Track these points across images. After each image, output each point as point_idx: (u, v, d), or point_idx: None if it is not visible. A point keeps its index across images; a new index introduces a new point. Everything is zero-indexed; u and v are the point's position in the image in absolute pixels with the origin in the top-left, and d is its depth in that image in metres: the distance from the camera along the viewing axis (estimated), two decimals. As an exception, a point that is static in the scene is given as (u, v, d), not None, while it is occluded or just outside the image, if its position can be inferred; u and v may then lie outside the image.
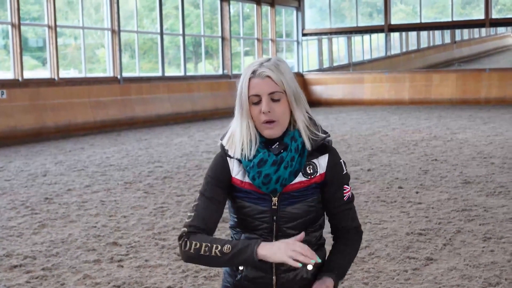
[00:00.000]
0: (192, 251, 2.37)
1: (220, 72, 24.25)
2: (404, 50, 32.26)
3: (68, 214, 7.69)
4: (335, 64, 30.51)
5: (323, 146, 2.48)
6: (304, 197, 2.45)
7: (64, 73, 18.58)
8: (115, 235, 6.67)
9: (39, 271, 5.52)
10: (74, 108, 17.46)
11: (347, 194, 2.55)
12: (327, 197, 2.51)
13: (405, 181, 9.39)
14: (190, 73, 22.95)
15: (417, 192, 8.57)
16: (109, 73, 19.35)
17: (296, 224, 2.45)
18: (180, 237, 2.42)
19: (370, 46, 31.41)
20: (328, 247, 2.64)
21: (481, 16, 26.38)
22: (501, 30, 32.89)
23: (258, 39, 26.26)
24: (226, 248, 2.32)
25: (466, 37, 34.40)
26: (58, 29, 17.63)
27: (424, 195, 8.38)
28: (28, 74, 16.98)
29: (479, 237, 6.35)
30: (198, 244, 2.36)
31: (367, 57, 31.17)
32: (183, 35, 22.35)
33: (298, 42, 28.81)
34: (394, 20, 27.71)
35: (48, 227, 7.10)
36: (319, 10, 29.30)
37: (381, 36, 29.72)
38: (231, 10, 24.59)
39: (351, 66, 29.57)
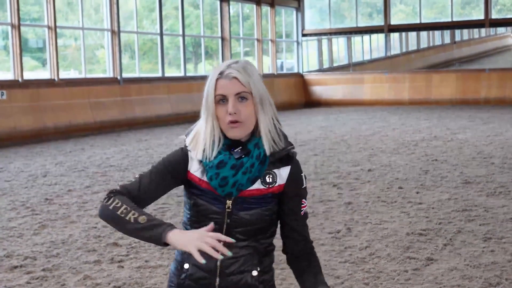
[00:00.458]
0: (110, 207, 2.37)
1: (220, 72, 24.20)
2: (404, 50, 32.26)
3: (68, 214, 7.69)
4: (335, 64, 30.50)
5: (286, 157, 2.47)
6: (259, 205, 2.44)
7: (64, 74, 18.58)
8: (115, 236, 6.66)
9: (39, 272, 5.52)
10: (74, 109, 17.46)
11: (304, 209, 2.53)
12: (284, 209, 2.50)
13: (406, 181, 9.39)
14: (190, 73, 22.95)
15: (417, 192, 8.57)
16: (109, 74, 19.35)
17: (246, 230, 2.43)
18: (108, 193, 2.44)
19: (370, 47, 31.41)
20: (277, 253, 2.60)
21: (480, 16, 26.40)
22: (500, 30, 32.86)
23: (258, 40, 26.27)
24: (142, 218, 2.32)
25: (466, 37, 34.39)
26: (58, 30, 17.62)
27: (425, 195, 8.38)
28: (28, 75, 16.98)
29: (480, 237, 6.35)
30: (119, 204, 2.37)
31: (367, 57, 31.17)
32: (183, 35, 22.35)
33: (298, 43, 28.81)
34: (394, 21, 27.72)
35: (49, 227, 7.09)
36: (319, 11, 29.30)
37: (381, 36, 29.72)
38: (231, 11, 24.60)
39: (351, 67, 29.57)
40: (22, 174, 10.70)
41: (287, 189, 2.47)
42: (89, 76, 19.04)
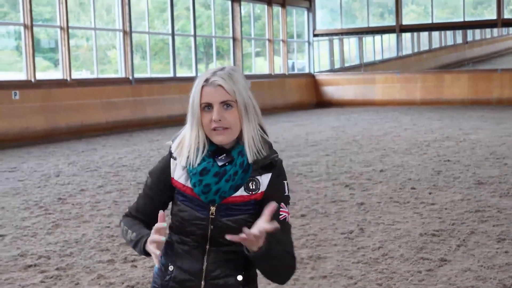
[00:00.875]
0: (121, 232, 2.61)
1: (231, 73, 24.23)
2: (415, 50, 32.22)
3: (81, 214, 7.72)
4: (346, 64, 30.48)
5: (270, 165, 2.47)
6: (243, 211, 2.44)
7: (76, 74, 18.65)
8: (128, 236, 6.67)
9: (53, 271, 5.55)
10: (86, 109, 17.52)
11: (284, 214, 2.46)
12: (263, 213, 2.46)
13: (418, 181, 9.37)
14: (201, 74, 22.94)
15: (430, 193, 8.55)
16: (121, 74, 19.41)
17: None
18: (121, 218, 2.67)
19: (382, 47, 31.38)
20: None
21: (493, 16, 26.28)
22: (513, 30, 32.73)
23: (269, 40, 26.26)
24: (133, 235, 2.51)
25: (478, 37, 34.31)
26: (70, 30, 17.69)
27: (437, 196, 8.36)
28: (40, 75, 17.06)
29: (493, 238, 6.33)
30: (124, 228, 2.58)
31: (378, 57, 31.14)
32: (194, 36, 22.38)
33: (309, 43, 28.79)
34: (406, 21, 27.64)
35: (62, 227, 7.12)
36: (330, 11, 29.28)
37: (393, 36, 29.68)
38: (242, 11, 24.62)
39: (363, 67, 29.54)
40: (35, 174, 10.75)
41: (267, 194, 2.46)
42: (101, 76, 19.10)
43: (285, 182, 2.51)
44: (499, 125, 17.04)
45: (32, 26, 16.43)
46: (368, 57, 30.77)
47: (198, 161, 2.43)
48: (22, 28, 16.46)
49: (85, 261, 5.84)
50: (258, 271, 2.51)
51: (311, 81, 28.03)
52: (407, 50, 31.57)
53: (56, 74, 17.94)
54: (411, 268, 5.47)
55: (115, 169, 11.08)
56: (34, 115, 16.11)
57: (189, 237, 2.47)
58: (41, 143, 15.36)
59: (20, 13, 16.45)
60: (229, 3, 24.10)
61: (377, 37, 30.77)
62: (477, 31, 32.52)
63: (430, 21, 27.44)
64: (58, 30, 17.44)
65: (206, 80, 2.43)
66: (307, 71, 28.61)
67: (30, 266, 5.71)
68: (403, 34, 29.33)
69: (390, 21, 27.98)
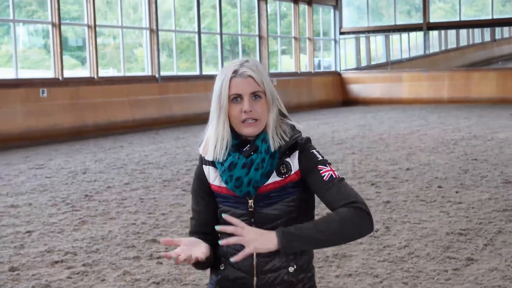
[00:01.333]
0: None
1: (257, 71, 24.24)
2: (443, 48, 31.97)
3: (108, 211, 7.78)
4: (373, 62, 30.34)
5: (295, 144, 2.45)
6: (281, 197, 2.42)
7: (103, 72, 18.78)
8: (154, 232, 6.72)
9: (79, 267, 5.59)
10: (113, 107, 17.64)
11: (327, 173, 2.40)
12: (311, 187, 2.43)
13: (445, 180, 9.29)
14: (227, 72, 22.96)
15: (457, 192, 8.47)
16: (147, 72, 19.51)
17: (275, 226, 2.39)
18: None
19: (409, 45, 31.17)
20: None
21: (522, 13, 25.98)
22: (542, 28, 32.35)
23: (295, 38, 26.22)
24: None
25: (506, 35, 33.93)
26: (97, 28, 17.82)
27: (464, 195, 8.29)
28: (68, 73, 17.21)
29: (521, 237, 6.26)
30: None
31: (405, 55, 30.95)
32: (221, 34, 22.42)
33: (335, 41, 28.69)
34: (433, 18, 27.44)
35: (88, 223, 7.18)
36: (357, 9, 29.16)
37: (420, 34, 29.45)
38: (268, 9, 24.61)
39: (389, 65, 29.37)
40: (62, 171, 10.85)
41: (302, 168, 2.44)
42: (127, 74, 19.22)
43: (313, 150, 2.46)
44: (528, 124, 16.85)
45: (60, 24, 16.58)
46: (395, 55, 30.60)
47: (223, 152, 2.43)
48: (50, 26, 16.61)
49: (111, 257, 5.88)
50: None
51: (337, 79, 27.95)
52: (434, 48, 31.32)
53: (83, 72, 18.09)
54: (437, 267, 5.42)
55: (141, 167, 11.14)
56: (61, 113, 16.25)
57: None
58: (68, 140, 15.49)
59: (48, 12, 16.60)
60: (256, 1, 24.11)
61: (404, 35, 30.58)
62: (506, 28, 32.15)
63: (457, 19, 27.20)
64: (86, 28, 17.58)
65: (235, 72, 2.42)
66: (333, 69, 28.52)
67: (57, 262, 5.76)
68: (430, 32, 29.09)
69: (417, 19, 27.79)
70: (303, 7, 26.77)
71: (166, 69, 20.83)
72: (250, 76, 2.41)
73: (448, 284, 5.03)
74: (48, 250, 6.12)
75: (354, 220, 2.31)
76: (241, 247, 2.32)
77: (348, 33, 28.76)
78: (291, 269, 2.44)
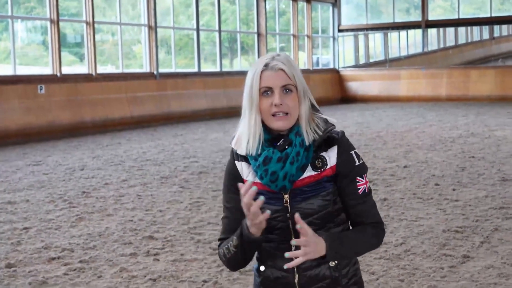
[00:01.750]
0: (224, 259, 2.49)
1: (255, 68, 24.24)
2: (441, 46, 31.99)
3: (105, 208, 7.78)
4: (371, 60, 30.35)
5: (331, 138, 2.44)
6: (317, 191, 2.40)
7: (102, 69, 18.78)
8: (151, 229, 6.73)
9: (76, 264, 5.60)
10: (111, 104, 17.64)
11: (362, 186, 2.44)
12: (340, 190, 2.44)
13: (442, 178, 9.30)
14: (225, 69, 23.01)
15: (454, 189, 8.49)
16: (146, 69, 19.51)
17: (312, 220, 2.38)
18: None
19: (407, 42, 31.19)
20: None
21: (520, 11, 25.99)
22: (541, 26, 32.38)
23: (294, 35, 26.22)
24: (233, 240, 2.42)
25: (505, 33, 33.95)
26: (95, 25, 17.80)
27: (461, 192, 8.30)
28: (66, 70, 17.20)
29: (517, 235, 6.27)
30: (222, 250, 2.49)
31: (403, 53, 30.97)
32: (219, 31, 22.41)
33: (334, 38, 28.69)
34: (432, 16, 27.44)
35: (86, 220, 7.19)
36: (356, 6, 29.15)
37: (418, 32, 29.46)
38: (267, 6, 24.59)
39: (388, 62, 29.38)
40: (60, 168, 10.85)
41: (339, 169, 2.42)
42: (126, 71, 19.22)
43: (353, 152, 2.46)
44: (526, 122, 16.86)
45: (58, 21, 16.57)
46: (393, 53, 30.61)
47: (256, 147, 2.40)
48: (48, 23, 16.60)
49: (108, 254, 5.88)
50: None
51: (336, 77, 27.95)
52: (432, 45, 31.35)
53: (81, 68, 18.08)
54: (433, 264, 5.44)
55: (139, 163, 11.14)
56: (59, 109, 16.25)
57: (273, 233, 2.44)
58: (66, 137, 15.49)
59: (46, 8, 16.59)
60: (254, -2, 24.10)
61: (403, 33, 30.60)
62: (504, 26, 32.18)
63: (456, 17, 27.21)
64: (84, 25, 17.57)
65: (266, 65, 2.40)
66: (331, 66, 28.52)
67: (53, 258, 5.76)
68: (429, 30, 29.10)
69: (416, 17, 27.80)
70: (302, 4, 26.76)
71: (165, 66, 20.82)
72: (281, 69, 2.39)
73: (444, 281, 5.04)
74: (45, 246, 6.12)
75: (379, 241, 2.50)
76: (278, 246, 2.42)
77: (347, 30, 28.76)
78: (332, 263, 2.42)
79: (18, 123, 15.24)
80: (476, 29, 32.92)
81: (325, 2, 28.16)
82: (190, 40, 21.97)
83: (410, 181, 9.10)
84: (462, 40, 33.00)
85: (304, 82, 2.45)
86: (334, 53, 28.62)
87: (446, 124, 16.96)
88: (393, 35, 30.42)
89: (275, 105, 2.37)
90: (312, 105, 2.48)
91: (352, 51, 30.21)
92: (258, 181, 2.42)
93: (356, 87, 27.55)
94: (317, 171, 2.41)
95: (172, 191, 8.73)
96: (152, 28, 19.41)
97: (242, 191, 2.27)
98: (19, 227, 6.89)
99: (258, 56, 24.15)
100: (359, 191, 2.44)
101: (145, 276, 5.27)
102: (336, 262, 2.43)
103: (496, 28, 32.13)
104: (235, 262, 2.47)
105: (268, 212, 2.28)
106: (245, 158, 2.47)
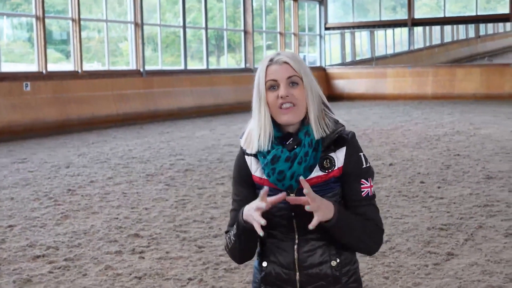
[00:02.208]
0: (227, 249, 2.53)
1: (242, 65, 24.28)
2: (427, 44, 32.10)
3: (90, 205, 7.76)
4: (357, 58, 30.41)
5: (340, 139, 2.44)
6: (324, 191, 2.40)
7: (88, 66, 18.71)
8: (136, 227, 6.72)
9: (61, 262, 5.58)
10: (97, 101, 17.58)
11: (366, 189, 2.46)
12: (344, 191, 2.46)
13: (427, 176, 9.35)
14: (212, 66, 23.00)
15: (439, 187, 8.53)
16: (132, 66, 19.46)
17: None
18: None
19: (393, 41, 31.28)
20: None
21: (505, 10, 26.12)
22: (526, 24, 32.54)
23: (280, 33, 26.23)
24: (234, 228, 2.45)
25: (490, 31, 34.12)
26: (82, 22, 17.73)
27: (446, 190, 8.35)
28: (52, 67, 17.11)
29: (501, 232, 6.31)
30: (227, 240, 2.52)
31: (390, 51, 31.05)
32: (206, 28, 22.39)
33: (320, 36, 28.73)
34: (418, 14, 27.53)
35: (71, 218, 7.17)
36: (342, 4, 29.19)
37: (405, 30, 29.57)
38: (254, 4, 24.58)
39: (374, 61, 29.46)
40: (45, 165, 10.81)
41: (346, 170, 2.44)
42: (112, 68, 19.16)
43: (361, 154, 2.47)
44: (510, 120, 16.96)
45: (44, 17, 16.48)
46: (380, 51, 30.69)
47: (267, 144, 2.41)
48: (34, 19, 16.52)
49: (93, 252, 5.87)
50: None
51: (322, 75, 27.98)
52: (419, 44, 31.46)
53: (67, 66, 18.00)
54: (418, 261, 5.47)
55: (125, 161, 11.12)
56: (45, 107, 16.18)
57: (277, 230, 2.45)
58: (52, 134, 15.43)
59: (32, 5, 16.50)
60: (241, -4, 24.08)
61: (389, 31, 30.68)
62: (490, 25, 32.35)
63: (442, 15, 27.32)
64: (70, 22, 17.49)
65: (271, 60, 2.43)
66: (318, 64, 28.55)
67: (38, 256, 5.75)
68: (415, 28, 29.21)
69: (402, 15, 27.88)
70: (289, 2, 26.78)
71: (151, 64, 20.78)
72: (285, 62, 2.41)
73: (428, 279, 5.07)
74: (29, 244, 6.10)
75: (375, 243, 2.48)
76: (280, 242, 2.44)
77: (333, 28, 28.80)
78: (333, 263, 2.43)
79: (3, 121, 15.16)
80: (462, 27, 33.06)
81: (311, 0, 28.19)
82: (176, 37, 21.93)
83: (396, 179, 9.14)
84: (448, 38, 33.13)
85: (314, 79, 2.46)
86: (321, 51, 28.67)
87: (432, 122, 17.03)
88: (379, 33, 30.50)
89: (281, 96, 2.38)
90: (324, 104, 2.49)
91: (338, 49, 30.25)
92: (265, 178, 2.44)
93: (342, 85, 27.60)
94: (325, 172, 2.43)
95: (158, 189, 8.72)
96: (139, 25, 19.36)
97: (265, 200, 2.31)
98: (3, 225, 6.86)
99: (245, 54, 24.16)
100: (363, 193, 2.46)
101: (130, 274, 5.26)
102: (338, 261, 2.44)
103: (482, 26, 32.29)
104: (236, 252, 2.49)
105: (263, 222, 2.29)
106: (254, 154, 2.48)
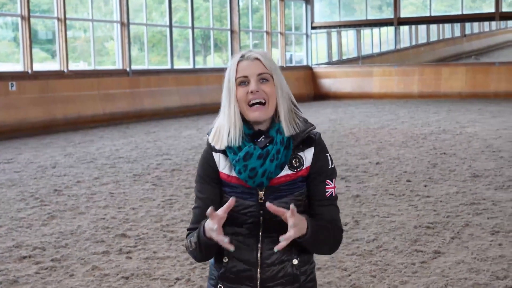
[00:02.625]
0: (188, 250, 2.50)
1: (229, 65, 24.22)
2: (413, 43, 32.17)
3: (77, 206, 7.73)
4: (344, 57, 30.45)
5: (309, 139, 2.47)
6: (291, 190, 2.43)
7: (74, 66, 18.63)
8: (123, 227, 6.70)
9: (48, 262, 5.56)
10: (83, 101, 17.51)
11: (330, 190, 2.49)
12: (309, 191, 2.48)
13: (414, 174, 9.38)
14: (199, 66, 22.96)
15: (425, 186, 8.56)
16: (118, 66, 19.39)
17: (283, 219, 2.39)
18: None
19: (380, 39, 31.33)
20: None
21: (491, 9, 26.27)
22: (511, 23, 32.71)
23: (267, 32, 26.23)
24: (194, 237, 2.43)
25: (476, 30, 34.26)
26: (67, 21, 17.66)
27: (433, 189, 8.38)
28: (37, 67, 17.03)
29: (487, 230, 6.35)
30: (187, 242, 2.49)
31: (376, 50, 31.09)
32: (192, 28, 22.35)
33: (307, 35, 28.76)
34: (404, 13, 27.62)
35: (57, 218, 7.14)
36: (329, 3, 29.24)
37: (391, 29, 29.63)
38: (240, 3, 24.57)
39: (360, 59, 29.51)
40: (31, 165, 10.76)
41: (312, 170, 2.46)
42: (98, 68, 19.09)
43: (328, 155, 2.50)
44: (496, 118, 17.07)
45: (29, 17, 16.39)
46: (366, 50, 30.73)
47: (238, 139, 2.41)
48: (19, 19, 16.43)
49: (80, 252, 5.85)
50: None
51: (309, 74, 28.03)
52: (405, 43, 31.53)
53: (53, 65, 17.92)
54: (405, 260, 5.48)
55: (111, 161, 11.08)
56: (31, 107, 16.10)
57: (243, 227, 2.46)
58: (38, 134, 15.35)
59: (17, 4, 16.40)
60: (227, -5, 24.06)
61: (375, 30, 30.73)
62: (475, 24, 32.47)
63: (428, 14, 27.42)
64: (56, 21, 17.41)
65: (242, 56, 2.44)
66: (305, 63, 28.59)
67: (25, 257, 5.72)
68: (401, 27, 29.28)
69: (388, 14, 27.96)
70: (275, 1, 26.79)
71: (137, 63, 20.73)
72: (256, 58, 2.42)
73: (415, 277, 5.09)
74: (16, 245, 6.07)
75: (337, 242, 2.53)
76: (245, 240, 2.43)
77: (320, 27, 28.84)
78: (295, 261, 2.45)
79: (-12, 121, 15.08)
80: (447, 26, 33.16)
81: (298, -1, 28.22)
82: (163, 37, 21.88)
83: (382, 178, 9.17)
84: (434, 37, 33.23)
85: (283, 79, 2.48)
86: (307, 50, 28.70)
87: (418, 121, 17.10)
88: (365, 32, 30.55)
89: (251, 92, 2.39)
90: (293, 103, 2.50)
91: (325, 48, 30.29)
92: (235, 175, 2.44)
93: (329, 84, 27.65)
94: (294, 171, 2.44)
95: (144, 188, 8.70)
96: (125, 24, 19.30)
97: (224, 208, 2.31)
98: (-11, 225, 6.82)
99: (232, 53, 24.12)
100: (327, 193, 2.49)
101: (117, 274, 5.25)
102: (299, 260, 2.47)
103: (468, 25, 32.39)
104: (197, 255, 2.48)
105: (226, 240, 2.29)
106: (223, 151, 2.47)
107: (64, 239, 6.28)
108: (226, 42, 24.61)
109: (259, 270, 2.45)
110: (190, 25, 22.32)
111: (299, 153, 2.45)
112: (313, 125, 2.49)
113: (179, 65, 22.27)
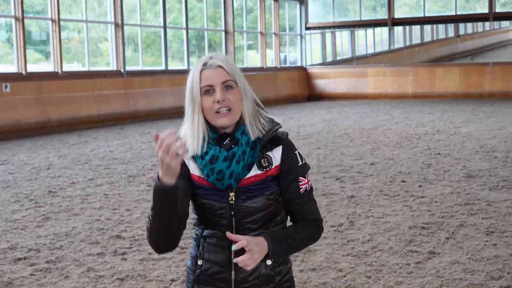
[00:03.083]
0: (147, 233, 2.38)
1: (223, 65, 24.21)
2: (407, 44, 32.24)
3: (71, 207, 7.72)
4: (338, 58, 30.48)
5: (277, 138, 2.48)
6: (262, 190, 2.45)
7: (68, 67, 18.61)
8: (118, 228, 6.69)
9: (43, 264, 5.55)
10: (78, 102, 17.48)
11: (304, 186, 2.51)
12: (282, 189, 2.49)
13: (408, 175, 9.40)
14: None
15: (420, 186, 8.58)
16: (113, 67, 19.37)
17: (255, 218, 2.44)
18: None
19: (374, 40, 31.38)
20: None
21: (485, 10, 26.33)
22: (504, 24, 32.84)
23: (261, 33, 26.24)
24: (151, 203, 2.32)
25: (470, 31, 34.35)
26: (61, 22, 17.62)
27: (427, 189, 8.39)
28: (31, 68, 16.99)
29: (482, 231, 6.36)
30: (147, 224, 2.39)
31: (370, 51, 31.14)
32: (186, 28, 22.34)
33: (301, 36, 28.77)
34: (398, 14, 27.66)
35: (52, 220, 7.12)
36: (323, 4, 29.26)
37: (385, 30, 29.69)
38: (235, 4, 24.57)
39: (355, 60, 29.55)
40: (25, 167, 10.73)
41: (282, 169, 2.48)
42: (92, 69, 19.06)
43: (296, 152, 2.51)
44: (490, 119, 17.10)
45: (23, 18, 16.36)
46: (360, 51, 30.77)
47: (203, 148, 2.42)
48: (13, 20, 16.39)
49: (75, 254, 5.84)
50: None
51: (303, 74, 28.04)
52: (399, 43, 31.60)
53: (47, 66, 17.89)
54: (400, 260, 5.49)
55: (106, 162, 11.07)
56: (25, 108, 16.06)
57: (216, 229, 2.47)
58: (32, 135, 15.32)
59: (11, 5, 16.37)
60: (221, -4, 24.06)
61: (369, 31, 30.78)
62: (469, 24, 32.56)
63: (422, 15, 27.46)
64: (50, 22, 17.38)
65: (205, 64, 2.44)
66: (299, 64, 28.60)
67: (20, 259, 5.70)
68: (395, 28, 29.34)
69: (382, 15, 28.00)
70: (269, 2, 26.79)
71: (132, 64, 20.71)
72: (219, 66, 2.42)
73: (410, 277, 5.10)
74: (10, 247, 6.06)
75: (316, 236, 2.57)
76: (218, 242, 2.44)
77: (314, 28, 28.85)
78: (268, 262, 2.46)
79: (-18, 122, 15.04)
80: (441, 27, 33.25)
81: (292, 0, 28.23)
82: (157, 37, 21.87)
83: (377, 178, 9.18)
84: (428, 38, 33.31)
85: (245, 80, 2.49)
86: (302, 51, 28.71)
87: (412, 121, 17.12)
88: (360, 33, 30.59)
89: (218, 101, 2.39)
90: (257, 104, 2.52)
91: (319, 48, 30.32)
92: (204, 177, 2.45)
93: (323, 84, 27.67)
94: (263, 170, 2.46)
95: (139, 190, 8.69)
96: (119, 25, 19.28)
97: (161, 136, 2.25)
98: (-16, 227, 6.81)
99: (226, 54, 24.10)
100: (301, 190, 2.51)
101: (112, 276, 5.24)
102: (272, 260, 2.48)
103: (462, 26, 32.47)
104: (156, 233, 2.34)
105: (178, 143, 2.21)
106: (191, 156, 2.48)
107: (59, 240, 6.27)
108: (220, 43, 24.61)
109: (233, 272, 2.47)
110: (184, 26, 22.31)
111: (267, 153, 2.47)
112: (279, 124, 2.50)
113: (173, 66, 22.25)
